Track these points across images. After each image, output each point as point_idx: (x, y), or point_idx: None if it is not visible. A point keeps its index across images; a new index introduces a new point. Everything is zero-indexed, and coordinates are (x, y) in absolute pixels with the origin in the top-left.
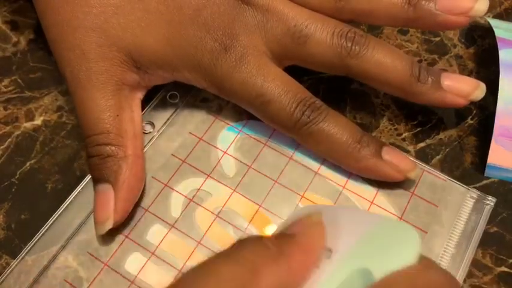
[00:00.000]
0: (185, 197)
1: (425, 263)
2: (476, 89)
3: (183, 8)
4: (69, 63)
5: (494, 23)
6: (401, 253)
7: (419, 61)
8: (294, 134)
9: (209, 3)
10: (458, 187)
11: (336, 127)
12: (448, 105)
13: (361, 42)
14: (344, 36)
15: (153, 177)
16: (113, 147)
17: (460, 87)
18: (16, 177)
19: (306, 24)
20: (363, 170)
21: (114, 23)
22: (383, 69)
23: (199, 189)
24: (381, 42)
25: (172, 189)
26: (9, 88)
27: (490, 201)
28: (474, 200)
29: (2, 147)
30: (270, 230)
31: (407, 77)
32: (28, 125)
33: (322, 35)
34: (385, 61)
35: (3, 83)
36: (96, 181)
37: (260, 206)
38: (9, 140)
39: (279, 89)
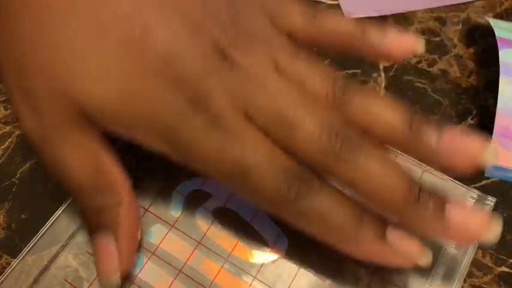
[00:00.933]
0: (185, 196)
1: None
2: (488, 228)
3: (147, 55)
4: (27, 119)
5: (495, 23)
6: None
7: (419, 61)
8: (280, 211)
9: (181, 55)
10: (458, 187)
11: (330, 203)
12: (448, 240)
13: (352, 144)
14: (334, 134)
15: (153, 177)
16: (106, 196)
17: (467, 222)
18: (16, 177)
19: (295, 108)
20: (364, 256)
21: (63, 68)
22: (373, 182)
23: (199, 189)
24: (375, 149)
25: (173, 189)
26: None
27: (490, 201)
28: (474, 201)
29: (2, 147)
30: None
31: (403, 196)
32: None
33: (310, 127)
34: (376, 172)
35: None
36: (94, 232)
37: None
38: (10, 139)
39: (261, 157)
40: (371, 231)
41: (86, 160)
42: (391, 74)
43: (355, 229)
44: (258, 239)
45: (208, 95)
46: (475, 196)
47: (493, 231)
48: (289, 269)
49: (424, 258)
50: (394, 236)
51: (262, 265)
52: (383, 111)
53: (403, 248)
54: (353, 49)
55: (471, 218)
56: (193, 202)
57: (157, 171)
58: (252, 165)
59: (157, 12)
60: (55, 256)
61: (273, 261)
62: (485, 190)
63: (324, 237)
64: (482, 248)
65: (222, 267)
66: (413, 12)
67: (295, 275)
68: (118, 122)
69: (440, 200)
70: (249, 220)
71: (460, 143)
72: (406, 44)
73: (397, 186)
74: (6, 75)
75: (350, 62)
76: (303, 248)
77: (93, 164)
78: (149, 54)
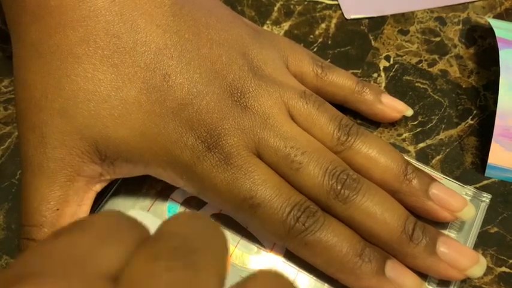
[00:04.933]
0: (181, 204)
1: None
2: (476, 264)
3: (166, 100)
4: (26, 143)
5: (495, 23)
6: None
7: (420, 61)
8: (286, 242)
9: (197, 99)
10: (453, 185)
11: (334, 237)
12: (439, 275)
13: (352, 186)
14: (336, 177)
15: (149, 185)
16: None
17: (457, 258)
18: (16, 177)
19: (302, 151)
20: None
21: (84, 109)
22: (370, 220)
23: (195, 196)
24: (373, 190)
25: (168, 196)
26: (9, 88)
27: (486, 197)
28: (470, 198)
29: (2, 147)
30: None
31: (398, 233)
32: None
33: (315, 170)
34: (374, 211)
35: (3, 83)
36: None
37: None
38: (10, 140)
39: (271, 191)
40: (370, 266)
41: (51, 200)
42: (391, 74)
43: (356, 263)
44: (255, 244)
45: (222, 134)
46: (471, 193)
47: (480, 265)
48: (288, 273)
49: None
50: (392, 271)
51: None
52: (382, 156)
53: (401, 282)
54: (350, 103)
55: (460, 254)
56: (189, 209)
57: (151, 179)
58: (261, 199)
59: (176, 62)
60: None
61: (272, 267)
62: (486, 190)
63: (326, 269)
64: (483, 248)
65: None
66: (414, 12)
67: (295, 279)
68: (137, 159)
69: (433, 236)
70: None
71: (446, 196)
72: (399, 109)
73: (392, 224)
74: (19, 109)
75: (351, 62)
76: None
77: (54, 207)
78: (168, 99)
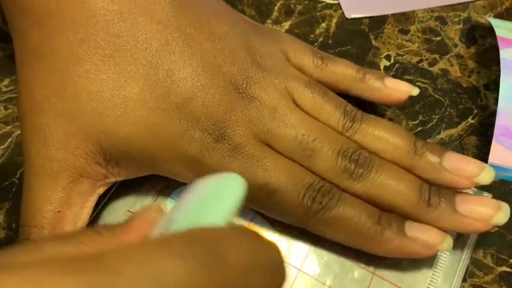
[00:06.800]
0: None
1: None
2: (498, 211)
3: (170, 95)
4: (29, 145)
5: (495, 23)
6: (214, 210)
7: (420, 61)
8: (307, 224)
9: (202, 93)
10: None
11: (352, 210)
12: (467, 230)
13: (365, 164)
14: (348, 157)
15: (149, 184)
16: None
17: (479, 210)
18: (17, 176)
19: (314, 137)
20: (388, 252)
21: (88, 109)
22: (387, 193)
23: None
24: (386, 165)
25: (169, 196)
26: (10, 88)
27: (486, 197)
28: None
29: (2, 146)
30: (266, 234)
31: (416, 201)
32: None
33: (328, 153)
34: (389, 184)
35: (3, 83)
36: None
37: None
38: (10, 139)
39: (284, 175)
40: (391, 230)
41: (53, 201)
42: (392, 73)
43: (376, 230)
44: None
45: (230, 126)
46: (471, 193)
47: (503, 211)
48: (289, 271)
49: (445, 243)
50: (413, 229)
51: None
52: (390, 136)
53: (424, 238)
54: (354, 90)
55: (481, 205)
56: None
57: (151, 179)
58: (276, 186)
59: (178, 57)
60: None
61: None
62: (486, 189)
63: (350, 242)
64: (483, 248)
65: None
66: (414, 12)
67: (295, 278)
68: (143, 156)
69: (450, 197)
70: (246, 224)
71: (460, 163)
72: (404, 90)
73: (408, 194)
74: (21, 113)
75: (351, 61)
76: (302, 250)
77: (56, 209)
78: (172, 94)
